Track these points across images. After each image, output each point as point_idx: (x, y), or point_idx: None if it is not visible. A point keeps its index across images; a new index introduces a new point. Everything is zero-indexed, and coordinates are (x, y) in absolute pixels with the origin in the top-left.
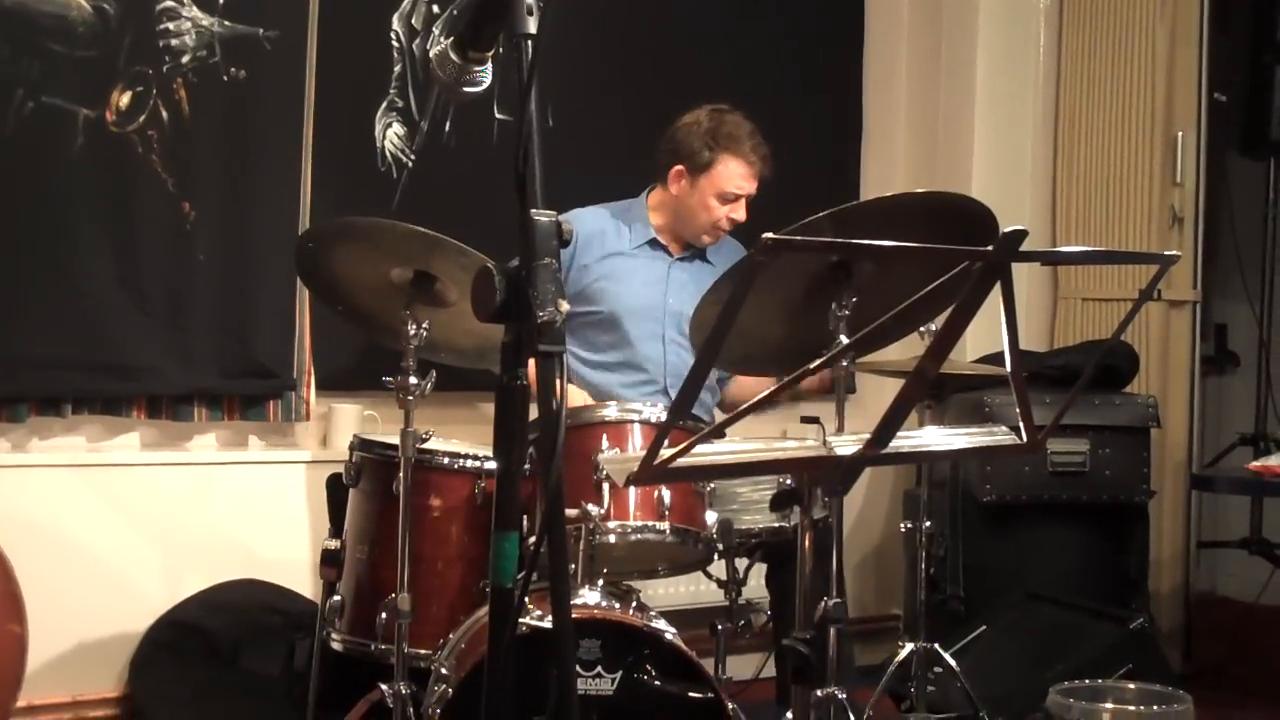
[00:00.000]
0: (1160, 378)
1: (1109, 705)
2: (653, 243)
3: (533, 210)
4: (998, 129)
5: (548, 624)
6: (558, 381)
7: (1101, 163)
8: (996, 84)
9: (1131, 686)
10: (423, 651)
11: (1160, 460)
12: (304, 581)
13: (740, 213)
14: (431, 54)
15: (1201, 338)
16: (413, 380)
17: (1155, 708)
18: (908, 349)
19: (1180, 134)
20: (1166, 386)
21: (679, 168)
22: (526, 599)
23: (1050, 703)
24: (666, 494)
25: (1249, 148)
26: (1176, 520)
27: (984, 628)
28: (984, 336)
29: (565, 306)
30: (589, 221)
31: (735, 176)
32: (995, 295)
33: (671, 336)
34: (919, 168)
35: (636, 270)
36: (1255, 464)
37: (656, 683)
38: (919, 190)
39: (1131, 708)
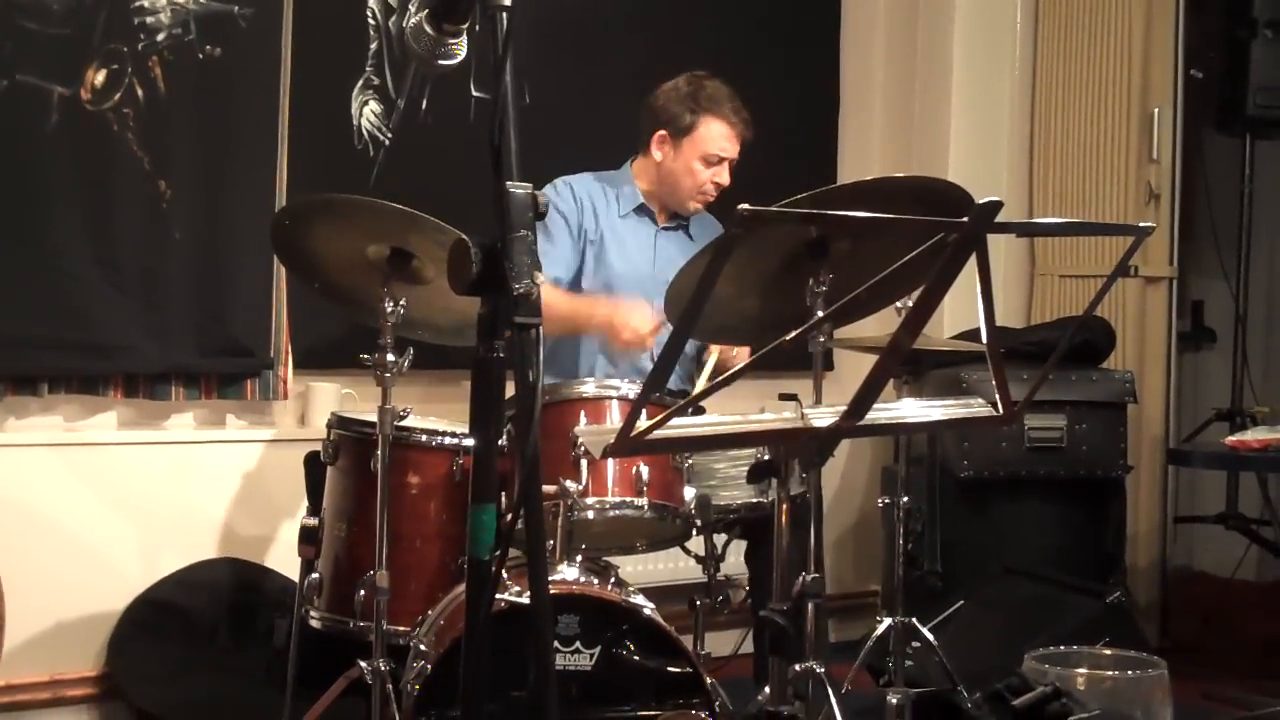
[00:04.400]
0: (1137, 353)
1: (1083, 671)
2: (640, 209)
3: (508, 182)
4: (974, 106)
5: (526, 600)
6: (534, 355)
7: (1078, 139)
8: (973, 61)
9: (1106, 653)
10: (401, 628)
11: (1137, 435)
12: (282, 560)
13: (724, 176)
14: (406, 27)
15: (1178, 314)
16: (390, 358)
17: (1129, 673)
18: (884, 326)
19: (1156, 110)
20: (1143, 362)
21: (661, 133)
22: (505, 574)
23: (1026, 668)
24: (645, 470)
25: (1225, 124)
26: (1153, 495)
27: (962, 602)
28: (961, 313)
29: (541, 278)
30: (582, 185)
31: (718, 138)
32: (971, 271)
33: (659, 305)
34: (896, 147)
35: (626, 237)
36: (1231, 439)
37: (635, 658)
38: (899, 175)
39: (1106, 673)
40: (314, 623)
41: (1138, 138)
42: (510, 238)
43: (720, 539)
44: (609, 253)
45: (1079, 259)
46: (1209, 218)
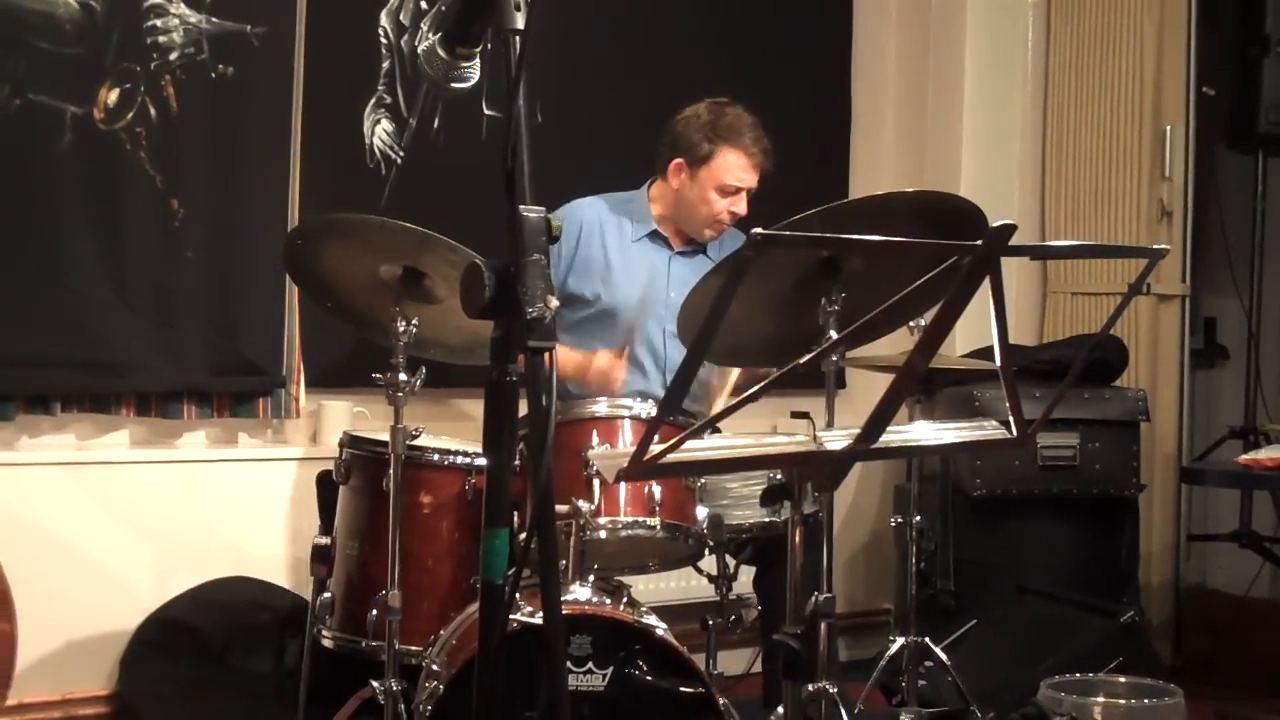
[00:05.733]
0: (1150, 371)
1: (1100, 699)
2: (653, 235)
3: (521, 206)
4: (986, 124)
5: (538, 620)
6: (547, 379)
7: (1090, 157)
8: (985, 79)
9: (1122, 680)
10: (413, 648)
11: (1150, 454)
12: (294, 579)
13: (741, 206)
14: (419, 50)
15: (1190, 331)
16: (402, 377)
17: (1146, 701)
18: (897, 344)
19: (1169, 128)
20: (1156, 380)
21: (678, 161)
22: (517, 595)
23: (1042, 697)
24: (657, 490)
25: (1237, 141)
26: (1166, 514)
27: (975, 622)
28: (973, 331)
29: (554, 303)
30: (588, 212)
31: (734, 169)
32: (984, 290)
33: (672, 330)
34: (908, 163)
35: (637, 263)
36: (1245, 457)
37: (648, 678)
38: (910, 190)
39: (1122, 701)
40: (326, 642)
41: (1150, 155)
42: (523, 261)
43: (732, 559)
44: (619, 278)
45: (1091, 277)
46: (1221, 235)
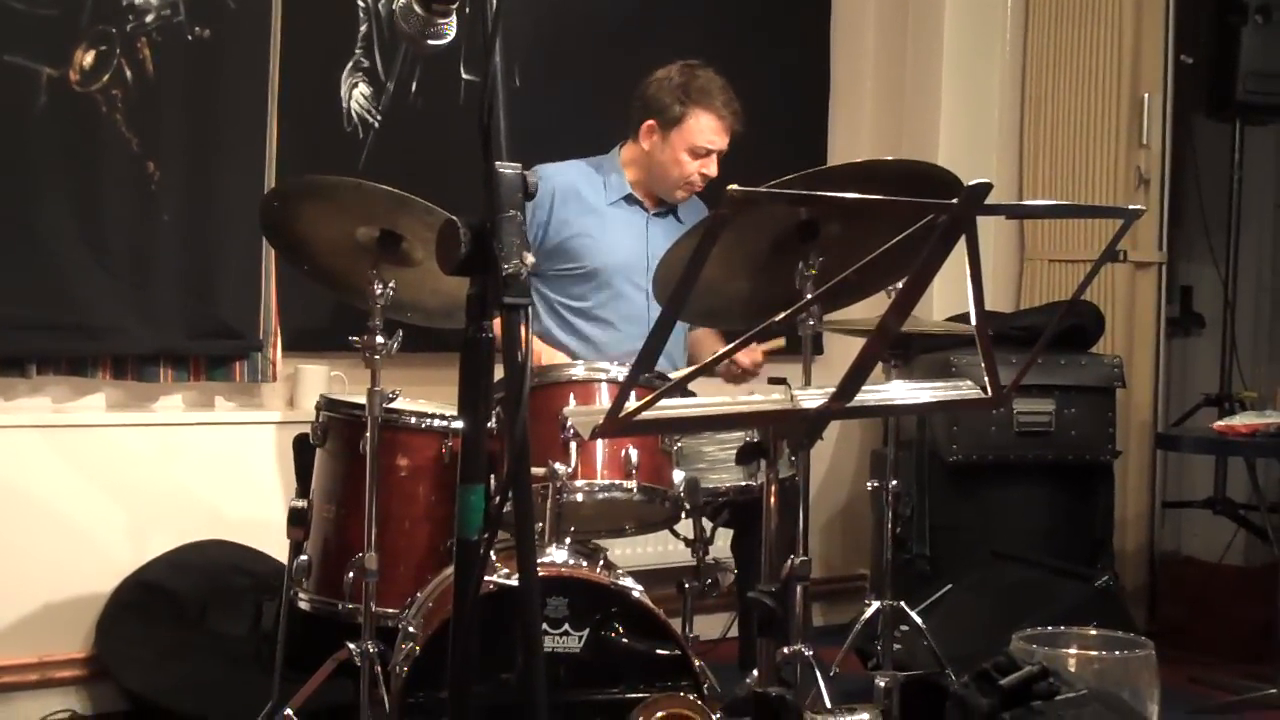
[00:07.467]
0: (1126, 338)
1: (1071, 650)
2: (629, 197)
3: (497, 162)
4: (965, 91)
5: (514, 582)
6: (523, 333)
7: (1068, 125)
8: (964, 46)
9: (1093, 633)
10: (390, 610)
11: (1125, 420)
12: (271, 542)
13: (712, 168)
14: (396, 7)
15: (1167, 299)
16: (379, 340)
17: (1117, 653)
18: (874, 310)
19: (1146, 96)
20: (1132, 347)
21: (650, 123)
22: (493, 557)
23: (1013, 648)
24: (634, 452)
25: (1215, 109)
26: (1141, 480)
27: (950, 586)
28: (950, 297)
29: (530, 259)
30: (565, 175)
31: (706, 131)
32: (961, 255)
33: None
34: (887, 129)
35: (615, 225)
36: (1220, 424)
37: (624, 640)
38: (889, 158)
39: (1095, 653)
40: (303, 605)
41: (1128, 123)
42: (499, 218)
43: (709, 523)
44: (600, 240)
45: (1068, 243)
46: (1198, 203)
